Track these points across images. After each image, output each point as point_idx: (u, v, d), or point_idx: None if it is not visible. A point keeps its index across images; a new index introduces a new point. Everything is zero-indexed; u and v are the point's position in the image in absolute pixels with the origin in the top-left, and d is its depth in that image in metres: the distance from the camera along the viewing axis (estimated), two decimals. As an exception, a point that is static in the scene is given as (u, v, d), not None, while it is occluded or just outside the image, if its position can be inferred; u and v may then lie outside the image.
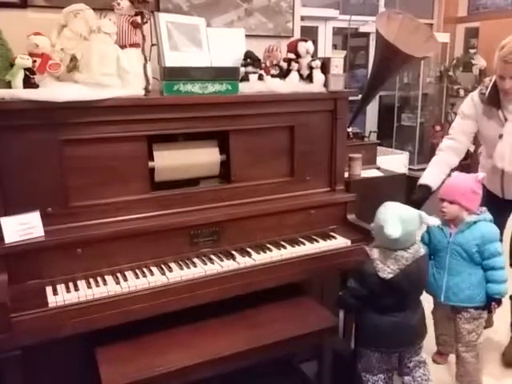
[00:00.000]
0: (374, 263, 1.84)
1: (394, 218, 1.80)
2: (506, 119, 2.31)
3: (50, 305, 1.59)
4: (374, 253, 1.86)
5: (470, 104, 2.44)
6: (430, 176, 2.44)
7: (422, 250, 1.92)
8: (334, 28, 6.53)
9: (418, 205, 2.23)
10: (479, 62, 6.61)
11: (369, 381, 2.00)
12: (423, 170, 7.23)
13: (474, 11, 7.03)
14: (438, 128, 6.71)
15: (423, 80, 7.05)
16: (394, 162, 4.00)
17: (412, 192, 2.45)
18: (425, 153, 7.13)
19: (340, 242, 2.13)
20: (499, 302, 2.14)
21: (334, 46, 6.79)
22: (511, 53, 2.14)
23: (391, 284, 1.82)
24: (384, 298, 1.85)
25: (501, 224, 2.34)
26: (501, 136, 2.32)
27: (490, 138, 2.38)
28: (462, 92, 6.66)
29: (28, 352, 1.55)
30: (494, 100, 2.32)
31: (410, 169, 5.69)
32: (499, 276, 2.09)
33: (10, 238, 1.67)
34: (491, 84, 2.32)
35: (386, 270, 1.82)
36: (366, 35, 6.93)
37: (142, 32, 1.88)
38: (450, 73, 6.80)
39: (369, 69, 7.02)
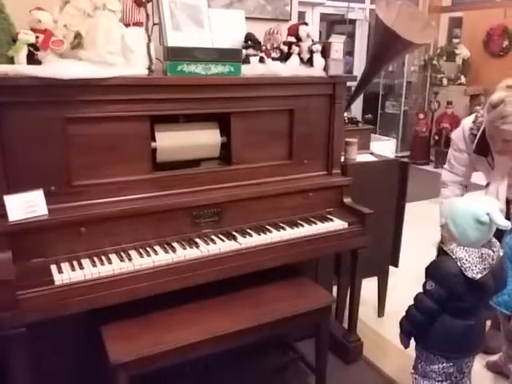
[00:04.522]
0: (459, 262, 1.70)
1: (497, 209, 1.68)
2: (493, 167, 2.20)
3: (57, 283, 1.59)
4: (458, 251, 1.71)
5: (461, 138, 2.29)
6: None
7: (501, 249, 1.80)
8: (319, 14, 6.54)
9: None
10: (462, 51, 6.74)
11: None
12: (406, 157, 7.32)
13: (459, 1, 7.13)
14: (421, 116, 6.84)
15: (408, 68, 7.15)
16: (382, 148, 4.07)
17: None
18: (408, 140, 7.26)
19: (337, 224, 2.18)
20: None
21: (319, 33, 6.81)
22: (500, 118, 1.94)
23: (479, 284, 1.70)
24: (464, 299, 1.73)
25: None
26: (487, 185, 2.26)
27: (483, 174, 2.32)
28: (445, 81, 6.80)
29: (33, 330, 1.55)
30: (481, 150, 2.17)
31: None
32: None
33: (14, 216, 1.65)
34: (479, 133, 2.15)
35: (474, 269, 1.68)
36: (352, 22, 6.95)
37: (146, 11, 1.87)
38: (434, 62, 6.91)
39: (354, 56, 7.07)
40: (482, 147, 2.16)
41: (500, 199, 2.14)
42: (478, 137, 2.17)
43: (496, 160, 2.17)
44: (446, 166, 2.45)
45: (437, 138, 6.65)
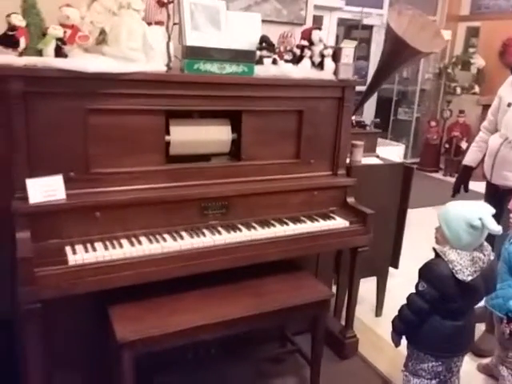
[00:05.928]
0: (450, 265, 1.76)
1: (489, 214, 1.75)
2: None
3: (70, 263, 1.70)
4: (450, 254, 1.78)
5: (506, 83, 2.67)
6: (471, 156, 2.90)
7: (493, 252, 1.87)
8: (337, 18, 6.60)
9: (465, 182, 2.85)
10: (478, 61, 6.75)
11: None
12: (416, 163, 7.37)
13: (476, 11, 7.14)
14: (433, 124, 6.87)
15: (422, 76, 7.19)
16: (390, 153, 4.14)
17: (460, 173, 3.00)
18: (418, 147, 7.30)
19: (339, 222, 2.27)
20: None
21: (336, 37, 6.87)
22: None
23: (470, 287, 1.76)
24: (455, 301, 1.80)
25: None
26: (509, 104, 2.53)
27: (503, 108, 2.60)
28: (458, 90, 6.82)
29: (45, 307, 1.65)
30: None
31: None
32: None
33: (34, 198, 1.76)
34: None
35: (465, 272, 1.75)
36: (369, 27, 7.00)
37: (168, 11, 1.97)
38: (449, 70, 6.93)
39: (370, 61, 7.12)
40: None
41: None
42: None
43: None
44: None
45: (447, 146, 6.67)
